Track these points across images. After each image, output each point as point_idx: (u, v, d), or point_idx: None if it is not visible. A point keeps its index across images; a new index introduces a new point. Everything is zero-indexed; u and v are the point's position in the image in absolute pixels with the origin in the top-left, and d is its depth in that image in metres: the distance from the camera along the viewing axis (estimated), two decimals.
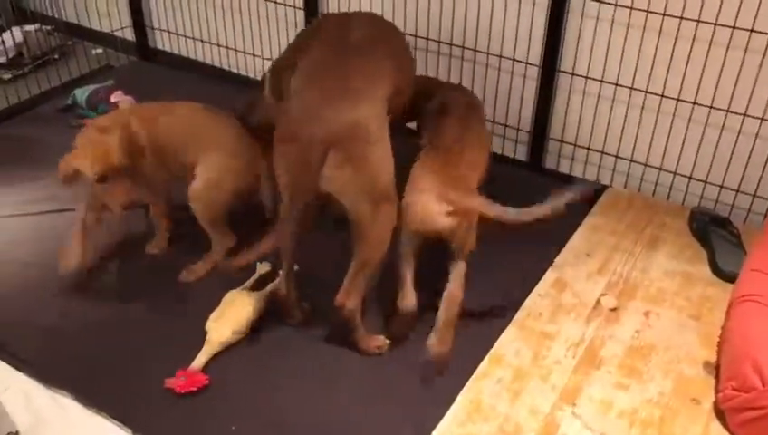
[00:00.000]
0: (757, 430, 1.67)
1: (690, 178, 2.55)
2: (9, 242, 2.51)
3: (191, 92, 3.28)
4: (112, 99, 3.11)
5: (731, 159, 2.45)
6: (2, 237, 2.52)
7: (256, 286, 2.22)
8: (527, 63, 2.69)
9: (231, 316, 2.06)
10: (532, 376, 1.90)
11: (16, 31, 3.54)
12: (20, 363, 2.05)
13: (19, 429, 1.89)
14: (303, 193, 1.81)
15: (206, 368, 2.00)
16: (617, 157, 2.67)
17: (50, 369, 2.03)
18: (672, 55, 2.41)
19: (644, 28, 2.42)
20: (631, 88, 2.53)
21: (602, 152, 2.70)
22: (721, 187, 2.50)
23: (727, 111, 2.38)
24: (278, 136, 1.85)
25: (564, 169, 2.83)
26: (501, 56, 2.73)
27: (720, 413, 1.78)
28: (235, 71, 3.52)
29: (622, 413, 1.80)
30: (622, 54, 2.50)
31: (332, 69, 1.86)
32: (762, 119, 2.34)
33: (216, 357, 2.03)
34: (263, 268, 2.29)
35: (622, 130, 2.62)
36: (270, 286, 2.19)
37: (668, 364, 1.94)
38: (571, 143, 2.76)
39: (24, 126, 3.15)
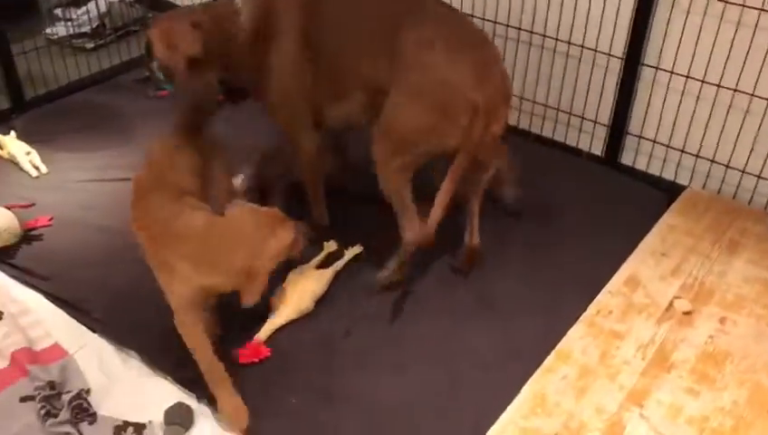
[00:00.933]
0: None
1: None
2: (87, 207, 2.58)
3: None
4: None
5: None
6: (80, 202, 2.60)
7: (323, 264, 2.23)
8: (610, 55, 2.62)
9: (297, 292, 2.08)
10: (598, 375, 1.86)
11: (100, 1, 3.62)
12: (94, 324, 2.11)
13: (91, 386, 1.95)
14: (479, 149, 1.93)
15: (268, 341, 2.02)
16: (697, 156, 2.58)
17: (122, 331, 2.09)
18: (767, 54, 2.31)
19: (738, 23, 2.32)
20: (718, 86, 2.43)
21: (682, 151, 2.61)
22: None
23: None
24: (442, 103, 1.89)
25: (641, 166, 2.75)
26: (583, 46, 2.66)
27: None
28: None
29: (692, 420, 1.75)
30: (712, 50, 2.40)
31: (464, 40, 1.96)
32: None
33: (279, 331, 2.05)
34: (330, 246, 2.30)
35: (705, 129, 2.53)
36: (336, 264, 2.21)
37: (744, 373, 1.87)
38: (650, 139, 2.68)
39: (104, 94, 3.23)
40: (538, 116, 2.90)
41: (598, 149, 2.82)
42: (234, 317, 2.10)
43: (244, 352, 1.98)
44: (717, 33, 2.37)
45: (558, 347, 1.94)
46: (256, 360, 1.98)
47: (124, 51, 3.50)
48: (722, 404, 1.79)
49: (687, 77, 2.49)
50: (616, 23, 2.55)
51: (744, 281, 2.15)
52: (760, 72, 2.34)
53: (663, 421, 1.75)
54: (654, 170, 2.71)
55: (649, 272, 2.18)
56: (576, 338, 1.97)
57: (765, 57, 2.31)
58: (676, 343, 1.95)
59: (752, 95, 2.38)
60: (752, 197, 2.51)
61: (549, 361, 1.90)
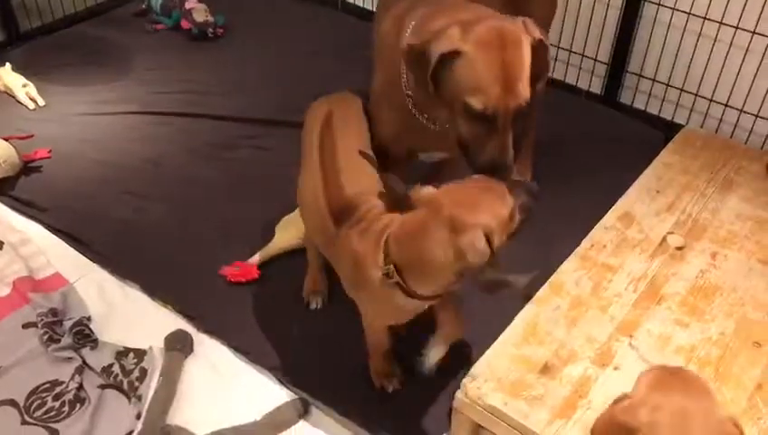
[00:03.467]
0: None
1: None
2: (82, 140, 2.58)
3: (273, 6, 3.29)
4: (186, 5, 3.13)
5: None
6: (76, 135, 2.60)
7: None
8: None
9: (300, 223, 2.08)
10: (590, 306, 1.90)
11: None
12: (93, 254, 2.14)
13: (92, 314, 1.99)
14: None
15: (264, 267, 2.05)
16: (696, 95, 2.58)
17: (120, 261, 2.12)
18: None
19: None
20: (720, 23, 2.41)
21: (682, 90, 2.61)
22: None
23: None
24: None
25: (640, 104, 2.74)
26: None
27: None
28: None
29: (680, 349, 1.79)
30: None
31: None
32: None
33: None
34: None
35: (705, 68, 2.52)
36: None
37: (732, 306, 1.90)
38: (650, 78, 2.67)
39: (100, 28, 3.20)
40: None
41: (597, 87, 2.81)
42: (236, 243, 2.12)
43: (234, 272, 2.01)
44: None
45: (551, 279, 1.96)
46: (243, 280, 2.02)
47: None
48: (709, 335, 1.82)
49: (689, 14, 2.47)
50: None
51: (737, 218, 2.17)
52: (762, 8, 2.32)
53: (651, 350, 1.79)
54: (653, 109, 2.71)
55: (644, 209, 2.20)
56: (570, 271, 2.00)
57: None
58: (667, 277, 1.98)
59: (753, 32, 2.36)
60: (749, 136, 2.52)
61: (542, 292, 1.93)
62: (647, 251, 2.06)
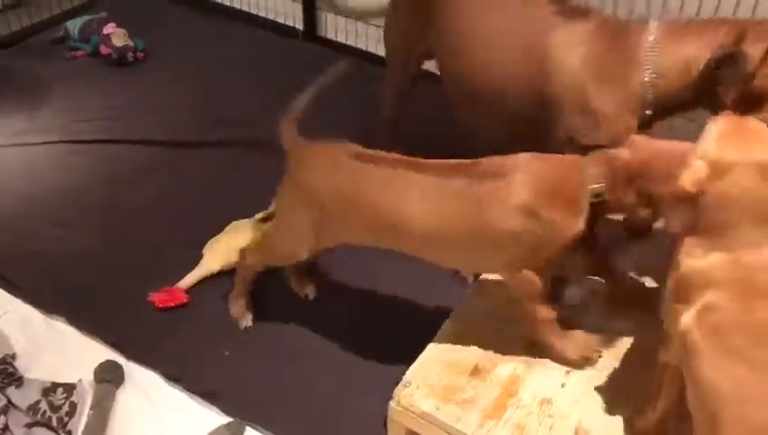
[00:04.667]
0: None
1: None
2: (4, 172, 2.52)
3: (192, 28, 3.27)
4: (105, 30, 3.08)
5: None
6: None
7: (266, 220, 2.19)
8: None
9: (229, 244, 2.08)
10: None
11: None
12: (16, 290, 2.09)
13: (16, 351, 1.94)
14: None
15: (192, 291, 2.04)
16: None
17: (45, 295, 2.08)
18: None
19: None
20: None
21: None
22: None
23: None
24: None
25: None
26: None
27: None
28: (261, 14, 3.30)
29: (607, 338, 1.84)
30: None
31: None
32: None
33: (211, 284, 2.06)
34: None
35: None
36: None
37: None
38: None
39: (16, 57, 3.12)
40: None
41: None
42: (163, 270, 2.11)
43: (162, 298, 2.00)
44: None
45: (479, 282, 1.99)
46: (172, 305, 2.00)
47: (35, 11, 3.36)
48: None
49: None
50: None
51: None
52: None
53: None
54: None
55: None
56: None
57: None
58: None
59: None
60: None
61: (471, 296, 1.96)
62: None
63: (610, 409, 1.69)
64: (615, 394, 1.71)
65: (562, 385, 1.74)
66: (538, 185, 1.58)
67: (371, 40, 2.88)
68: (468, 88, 1.93)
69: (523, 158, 1.62)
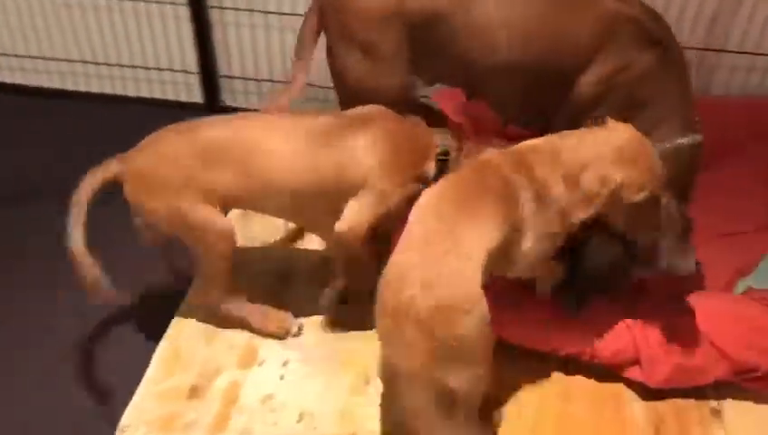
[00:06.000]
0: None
1: None
2: None
3: None
4: None
5: None
6: None
7: None
8: (173, 4, 2.62)
9: None
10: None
11: None
12: None
13: None
14: None
15: None
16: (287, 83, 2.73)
17: None
18: None
19: None
20: (279, 13, 2.58)
21: (272, 81, 2.75)
22: None
23: None
24: None
25: (241, 103, 2.84)
26: (146, 0, 2.63)
27: None
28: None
29: (316, 322, 1.91)
30: None
31: None
32: None
33: None
34: None
35: (282, 55, 2.68)
36: None
37: None
38: (240, 77, 2.77)
39: None
40: (128, 79, 2.84)
41: (198, 96, 2.85)
42: None
43: None
44: None
45: (183, 302, 1.96)
46: None
47: None
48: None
49: (251, 11, 2.59)
50: None
51: None
52: None
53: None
54: (254, 104, 2.82)
55: None
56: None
57: None
58: (293, 260, 2.09)
59: None
60: None
61: (177, 319, 1.92)
62: (269, 242, 2.16)
63: (327, 384, 1.76)
64: (329, 372, 1.79)
65: (281, 377, 1.79)
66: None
67: None
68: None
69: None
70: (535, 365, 1.78)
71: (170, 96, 2.86)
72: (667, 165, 1.59)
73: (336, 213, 1.72)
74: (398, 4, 1.80)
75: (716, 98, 2.48)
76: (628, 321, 1.77)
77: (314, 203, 1.73)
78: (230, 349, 1.85)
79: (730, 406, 1.72)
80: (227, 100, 2.84)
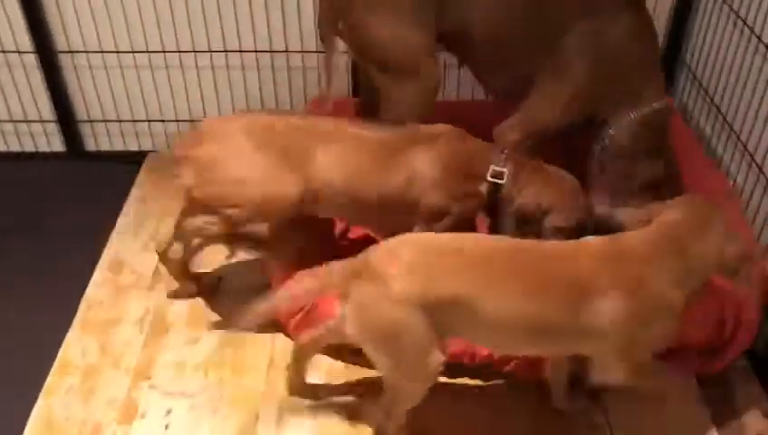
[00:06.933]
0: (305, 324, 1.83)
1: None
2: None
3: None
4: None
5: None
6: None
7: None
8: (19, 52, 2.51)
9: None
10: (103, 369, 1.87)
11: None
12: None
13: None
14: None
15: None
16: (149, 121, 2.67)
17: None
18: (155, 10, 2.44)
19: None
20: (132, 52, 2.51)
21: (133, 120, 2.67)
22: None
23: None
24: None
25: (105, 146, 2.75)
26: None
27: (280, 331, 1.93)
28: None
29: (196, 366, 1.87)
30: (110, 21, 2.46)
31: None
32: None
33: None
34: None
35: (142, 93, 2.61)
36: None
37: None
38: (100, 120, 2.68)
39: None
40: None
41: (59, 145, 2.73)
42: None
43: None
44: (107, 3, 2.43)
45: (56, 362, 1.88)
46: None
47: None
48: (220, 339, 1.93)
49: (102, 52, 2.52)
50: (8, 18, 2.44)
51: None
52: (158, 28, 2.46)
53: (171, 381, 1.83)
54: (118, 146, 2.74)
55: (130, 248, 2.23)
56: (74, 343, 1.93)
57: (156, 13, 2.44)
58: (168, 304, 2.03)
59: (163, 52, 2.51)
60: None
61: (50, 379, 1.83)
62: (143, 288, 2.09)
63: (214, 429, 1.72)
64: (216, 415, 1.75)
65: (166, 427, 1.74)
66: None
67: None
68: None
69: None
70: None
71: (29, 148, 2.74)
72: (648, 130, 1.85)
73: (398, 215, 1.80)
74: None
75: None
76: None
77: (378, 210, 1.81)
78: (109, 405, 1.77)
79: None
80: (90, 145, 2.74)
